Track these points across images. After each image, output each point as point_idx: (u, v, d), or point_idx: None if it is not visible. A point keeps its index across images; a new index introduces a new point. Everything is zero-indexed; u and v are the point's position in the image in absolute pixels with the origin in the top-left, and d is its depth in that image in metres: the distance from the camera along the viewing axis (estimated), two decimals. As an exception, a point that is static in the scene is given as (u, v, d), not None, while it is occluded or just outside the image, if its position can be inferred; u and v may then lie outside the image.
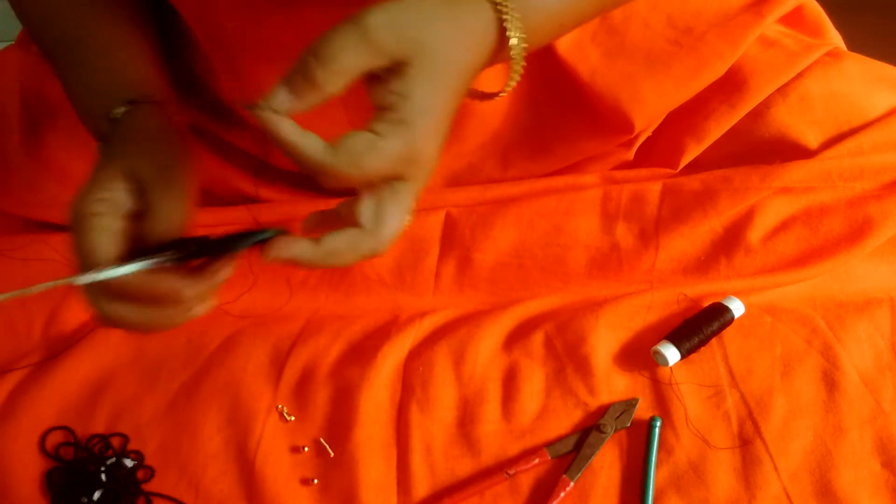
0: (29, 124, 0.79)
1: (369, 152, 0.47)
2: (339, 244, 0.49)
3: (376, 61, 0.47)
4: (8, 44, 0.84)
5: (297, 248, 0.49)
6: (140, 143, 0.59)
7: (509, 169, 0.80)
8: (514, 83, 0.55)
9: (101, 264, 0.53)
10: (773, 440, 0.65)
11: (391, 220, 0.49)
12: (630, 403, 0.67)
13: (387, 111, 0.48)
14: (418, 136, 0.48)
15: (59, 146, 0.78)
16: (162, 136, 0.61)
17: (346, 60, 0.46)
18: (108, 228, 0.54)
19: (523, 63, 0.53)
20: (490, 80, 0.58)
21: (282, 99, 0.46)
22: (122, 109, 0.62)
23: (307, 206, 0.80)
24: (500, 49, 0.53)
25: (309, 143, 0.47)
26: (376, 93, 0.48)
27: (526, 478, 0.64)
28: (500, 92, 0.56)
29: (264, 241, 0.50)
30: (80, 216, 0.54)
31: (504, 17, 0.51)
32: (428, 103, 0.49)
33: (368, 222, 0.49)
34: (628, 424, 0.66)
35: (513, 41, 0.52)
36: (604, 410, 0.67)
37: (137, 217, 0.55)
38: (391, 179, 0.49)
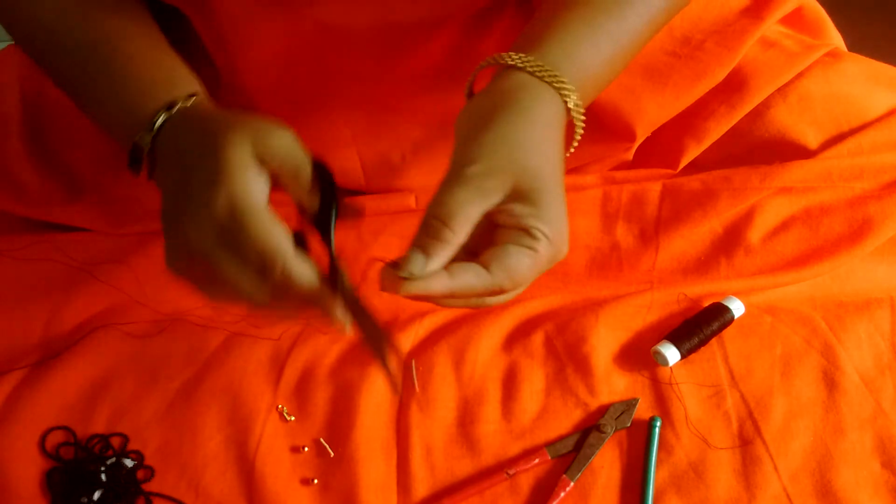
0: (29, 124, 0.79)
1: (526, 270, 0.53)
2: (473, 283, 0.52)
3: (493, 203, 0.53)
4: (8, 43, 0.84)
5: (434, 283, 0.51)
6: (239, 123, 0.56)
7: None
8: (577, 140, 0.60)
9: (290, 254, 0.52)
10: (773, 440, 0.65)
11: (522, 286, 0.55)
12: (630, 403, 0.67)
13: (525, 231, 0.53)
14: (558, 241, 0.54)
15: (59, 146, 0.78)
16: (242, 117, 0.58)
17: (468, 216, 0.52)
18: (276, 218, 0.54)
19: (584, 120, 0.59)
20: None
21: (420, 265, 0.51)
22: (181, 104, 0.60)
23: None
24: (567, 123, 0.59)
25: (467, 281, 0.52)
26: (501, 217, 0.53)
27: (526, 478, 0.64)
28: (567, 152, 0.60)
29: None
30: (250, 212, 0.52)
31: (566, 98, 0.57)
32: (555, 210, 0.54)
33: (504, 283, 0.53)
34: (628, 424, 0.66)
35: (576, 115, 0.58)
36: (604, 410, 0.67)
37: None
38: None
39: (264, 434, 0.66)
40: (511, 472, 0.64)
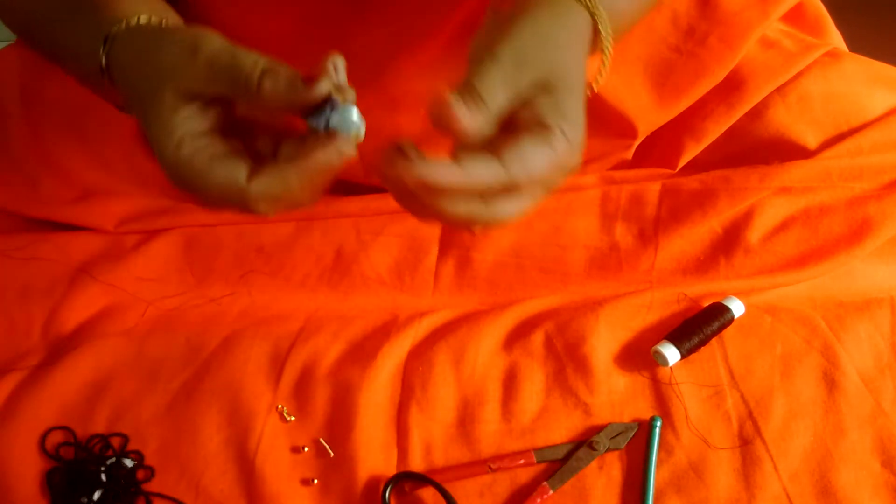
0: (29, 123, 0.79)
1: (541, 164, 0.50)
2: (485, 175, 0.48)
3: (520, 87, 0.51)
4: (8, 43, 0.84)
5: (442, 170, 0.48)
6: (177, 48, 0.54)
7: None
8: (605, 75, 0.58)
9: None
10: (773, 440, 0.65)
11: (538, 187, 0.52)
12: (629, 427, 0.66)
13: (544, 126, 0.50)
14: (575, 142, 0.51)
15: (59, 145, 0.78)
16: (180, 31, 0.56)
17: (498, 101, 0.50)
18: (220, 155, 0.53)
19: (612, 52, 0.58)
20: None
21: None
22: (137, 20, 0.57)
23: (337, 206, 0.79)
24: (593, 45, 0.58)
25: (478, 174, 0.48)
26: (523, 112, 0.51)
27: (510, 477, 0.64)
28: (594, 83, 0.58)
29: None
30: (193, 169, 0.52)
31: (596, 17, 0.56)
32: (575, 110, 0.52)
33: (520, 175, 0.49)
34: (622, 447, 0.65)
35: (605, 38, 0.57)
36: (602, 426, 0.67)
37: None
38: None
39: (264, 434, 0.66)
40: (494, 466, 0.64)
